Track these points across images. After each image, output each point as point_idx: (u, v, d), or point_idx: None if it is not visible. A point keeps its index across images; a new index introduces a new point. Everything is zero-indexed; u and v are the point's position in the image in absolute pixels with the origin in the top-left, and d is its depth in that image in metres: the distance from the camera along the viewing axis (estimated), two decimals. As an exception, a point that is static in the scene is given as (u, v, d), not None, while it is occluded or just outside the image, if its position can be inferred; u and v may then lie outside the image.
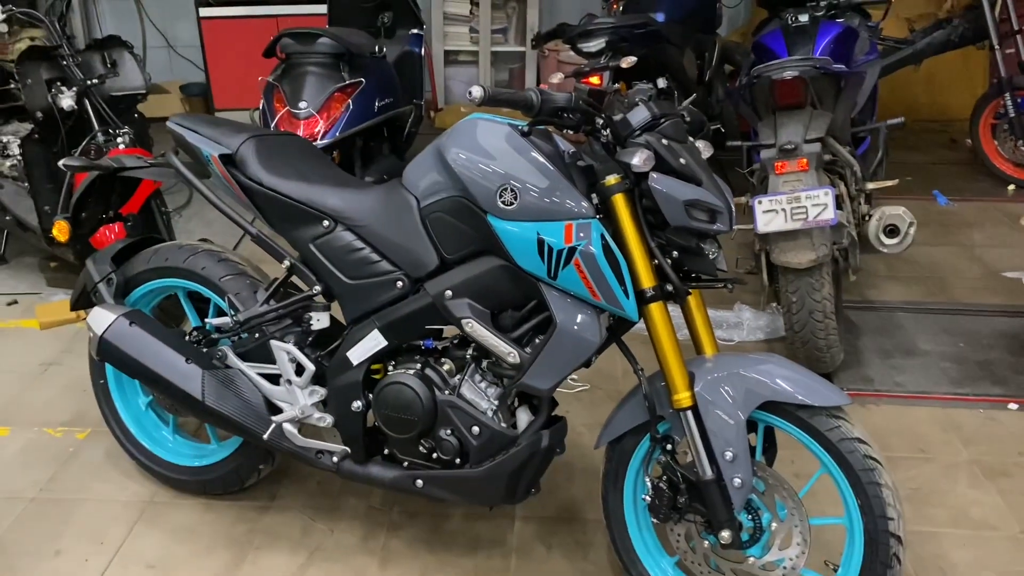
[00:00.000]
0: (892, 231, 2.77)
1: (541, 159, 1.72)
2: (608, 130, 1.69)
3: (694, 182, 1.67)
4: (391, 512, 2.33)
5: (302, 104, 3.56)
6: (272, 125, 3.58)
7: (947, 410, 2.78)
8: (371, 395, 1.99)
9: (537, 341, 1.80)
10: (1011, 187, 4.66)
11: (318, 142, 3.49)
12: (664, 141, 1.67)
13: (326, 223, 1.97)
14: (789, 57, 2.92)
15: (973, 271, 3.75)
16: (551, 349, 1.75)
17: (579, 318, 1.72)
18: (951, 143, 5.44)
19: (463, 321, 1.82)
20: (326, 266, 1.99)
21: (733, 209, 1.72)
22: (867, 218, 2.84)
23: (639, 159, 1.62)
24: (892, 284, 3.64)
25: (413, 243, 1.88)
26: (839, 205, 2.65)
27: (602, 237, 1.67)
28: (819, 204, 2.54)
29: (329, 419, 2.05)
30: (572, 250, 1.67)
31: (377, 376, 2.01)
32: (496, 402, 1.90)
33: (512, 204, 1.71)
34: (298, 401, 2.05)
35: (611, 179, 1.69)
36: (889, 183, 2.95)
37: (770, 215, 2.59)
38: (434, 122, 5.94)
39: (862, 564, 1.71)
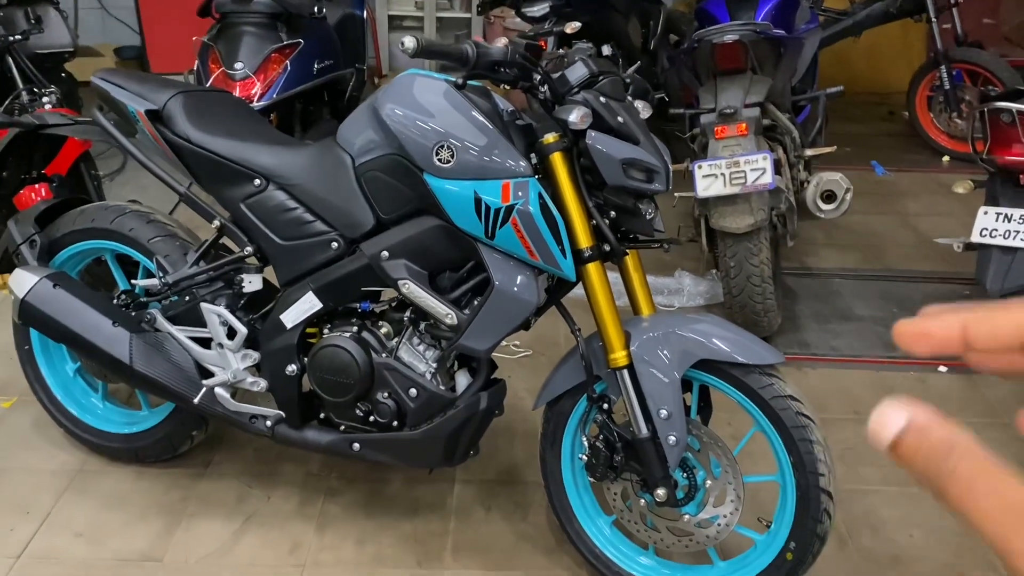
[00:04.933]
0: (829, 197, 2.81)
1: (479, 117, 1.69)
2: (546, 86, 1.67)
3: (631, 141, 1.66)
4: (329, 478, 2.31)
5: (238, 65, 3.47)
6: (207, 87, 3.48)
7: (880, 373, 2.84)
8: (306, 359, 1.95)
9: (475, 303, 1.78)
10: (946, 158, 4.76)
11: (255, 104, 3.40)
12: (602, 99, 1.66)
13: (257, 182, 1.92)
14: (731, 22, 2.92)
15: (908, 239, 3.83)
16: (488, 310, 1.73)
17: (517, 279, 1.71)
18: (889, 115, 5.53)
19: (400, 282, 1.79)
20: (258, 227, 1.93)
21: (670, 169, 1.71)
22: (805, 184, 2.87)
23: (576, 116, 1.61)
24: (830, 251, 3.70)
25: (348, 203, 1.84)
26: (778, 171, 2.68)
27: (540, 196, 1.65)
28: (757, 168, 2.55)
29: (263, 383, 2.01)
30: (510, 209, 1.65)
31: (312, 340, 1.97)
32: (434, 364, 1.88)
33: (449, 162, 1.68)
34: (230, 365, 2.00)
35: (549, 137, 1.67)
36: (827, 150, 2.99)
37: (709, 179, 2.60)
38: (377, 88, 5.83)
39: (793, 519, 1.74)
